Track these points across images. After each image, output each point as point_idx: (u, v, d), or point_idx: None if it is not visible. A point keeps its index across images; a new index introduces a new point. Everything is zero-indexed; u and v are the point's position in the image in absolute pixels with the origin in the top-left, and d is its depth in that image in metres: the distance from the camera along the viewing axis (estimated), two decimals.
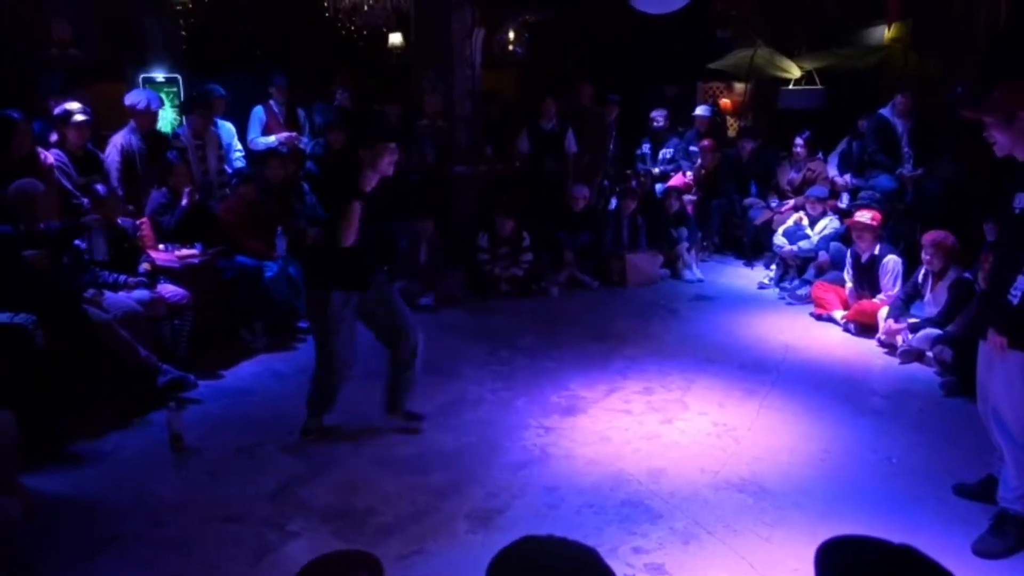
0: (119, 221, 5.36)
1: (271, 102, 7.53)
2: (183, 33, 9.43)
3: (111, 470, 4.13)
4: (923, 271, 5.72)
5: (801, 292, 7.10)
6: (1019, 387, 3.29)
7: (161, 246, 5.77)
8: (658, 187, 8.89)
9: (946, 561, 1.42)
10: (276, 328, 6.06)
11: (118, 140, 6.12)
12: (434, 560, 3.37)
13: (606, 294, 7.57)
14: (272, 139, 7.35)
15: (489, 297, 7.30)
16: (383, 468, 4.14)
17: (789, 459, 4.23)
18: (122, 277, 5.10)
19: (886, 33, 9.08)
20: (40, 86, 6.44)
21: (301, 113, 7.84)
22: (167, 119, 7.67)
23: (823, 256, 7.17)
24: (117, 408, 4.65)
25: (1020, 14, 6.74)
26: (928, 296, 5.71)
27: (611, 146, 8.73)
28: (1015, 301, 3.21)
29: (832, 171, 8.11)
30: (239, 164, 7.13)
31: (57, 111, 5.76)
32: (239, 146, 7.30)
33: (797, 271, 7.43)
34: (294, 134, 7.44)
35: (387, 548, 3.39)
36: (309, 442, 4.43)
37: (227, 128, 7.23)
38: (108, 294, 4.93)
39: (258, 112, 7.49)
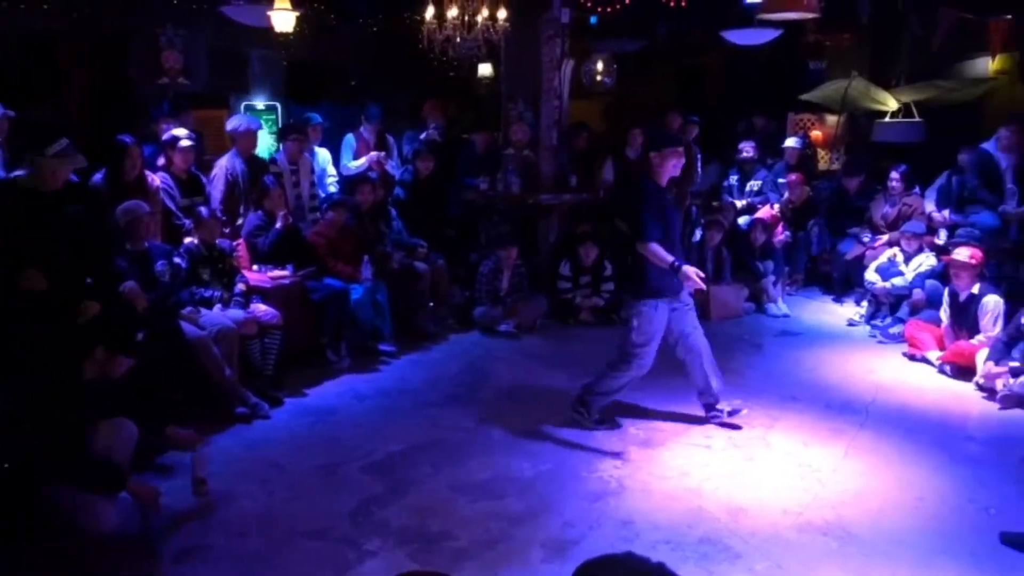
0: (217, 242, 5.60)
1: (362, 129, 7.77)
2: (284, 64, 9.84)
3: None
4: None
5: (894, 331, 6.84)
6: None
7: (255, 267, 5.99)
8: (744, 219, 8.74)
9: None
10: (360, 350, 6.20)
11: (223, 163, 6.41)
12: None
13: None
14: (362, 161, 7.57)
15: (569, 325, 7.29)
16: (460, 492, 4.17)
17: (879, 505, 4.06)
18: (218, 292, 5.32)
19: (990, 65, 8.75)
20: (151, 112, 6.82)
21: (390, 139, 8.05)
22: (265, 145, 8.00)
23: (918, 294, 6.89)
24: (201, 423, 4.82)
25: None
26: None
27: (698, 168, 8.61)
28: None
29: (930, 206, 7.81)
30: (332, 190, 7.36)
31: (165, 136, 6.09)
32: (333, 172, 7.54)
33: (890, 309, 7.17)
34: (382, 153, 7.65)
35: (461, 573, 3.41)
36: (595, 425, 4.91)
37: (322, 155, 7.48)
38: (204, 312, 5.15)
39: (349, 139, 7.73)
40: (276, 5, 6.72)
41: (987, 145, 7.30)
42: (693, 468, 4.47)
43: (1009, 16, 7.71)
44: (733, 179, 9.49)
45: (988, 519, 3.91)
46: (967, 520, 3.91)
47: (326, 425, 5.03)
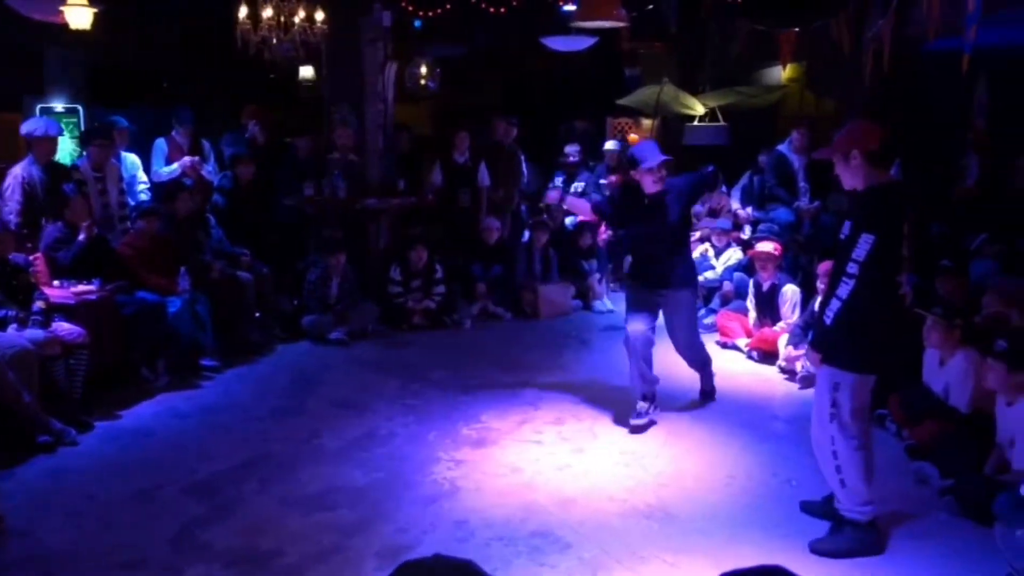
0: (10, 257, 5.13)
1: (174, 134, 7.37)
2: (85, 64, 9.16)
3: None
4: (819, 300, 5.95)
5: (707, 321, 7.30)
6: (827, 398, 3.63)
7: (56, 282, 5.53)
8: (570, 220, 9.04)
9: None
10: (179, 366, 5.87)
11: (17, 171, 5.91)
12: None
13: (519, 326, 7.62)
14: (175, 167, 7.18)
15: (402, 330, 7.25)
16: (290, 507, 4.04)
17: (695, 485, 4.33)
18: (11, 312, 4.86)
19: (783, 73, 9.53)
20: None
21: (206, 144, 7.68)
22: (66, 150, 7.41)
23: (727, 286, 7.40)
24: None
25: (902, 58, 7.18)
26: None
27: (523, 170, 8.80)
28: (828, 321, 3.56)
29: (735, 204, 8.40)
30: (144, 197, 6.94)
31: None
32: (144, 178, 7.11)
33: (704, 300, 7.64)
34: (196, 158, 7.28)
35: None
36: None
37: (131, 160, 7.03)
38: None
39: (160, 144, 7.31)
40: (70, 0, 6.23)
41: (782, 147, 7.96)
42: (525, 464, 4.57)
43: (796, 29, 8.43)
44: (558, 181, 9.77)
45: (790, 490, 4.25)
46: (772, 492, 4.25)
47: (142, 448, 4.73)
